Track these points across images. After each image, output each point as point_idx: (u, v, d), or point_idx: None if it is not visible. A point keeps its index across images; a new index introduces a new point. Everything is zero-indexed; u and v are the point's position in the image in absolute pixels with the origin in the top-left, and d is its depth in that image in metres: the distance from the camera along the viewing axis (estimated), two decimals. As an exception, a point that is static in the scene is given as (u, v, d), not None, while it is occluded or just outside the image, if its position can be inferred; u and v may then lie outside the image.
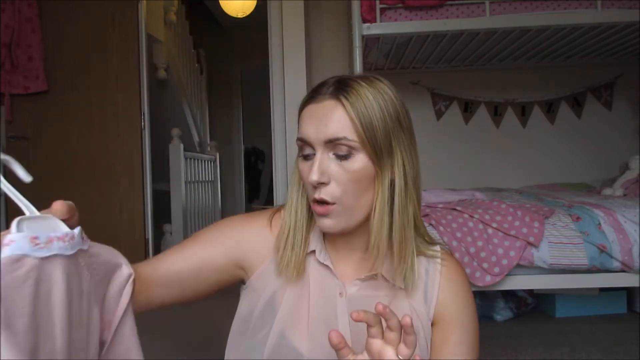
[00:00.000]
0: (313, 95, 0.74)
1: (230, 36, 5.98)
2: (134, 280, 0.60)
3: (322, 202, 0.72)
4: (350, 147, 0.70)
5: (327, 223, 0.73)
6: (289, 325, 0.75)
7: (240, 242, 0.80)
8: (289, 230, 0.78)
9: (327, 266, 0.78)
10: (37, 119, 3.01)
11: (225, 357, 0.81)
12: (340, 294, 0.77)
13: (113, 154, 3.03)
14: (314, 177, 0.70)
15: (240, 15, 4.59)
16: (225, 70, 6.04)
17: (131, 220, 3.03)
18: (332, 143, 0.70)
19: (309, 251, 0.79)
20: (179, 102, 4.49)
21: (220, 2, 4.59)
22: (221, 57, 5.95)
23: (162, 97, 4.25)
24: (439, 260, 0.80)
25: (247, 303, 0.80)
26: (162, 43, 4.01)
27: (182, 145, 3.77)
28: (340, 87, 0.72)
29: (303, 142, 0.74)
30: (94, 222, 3.01)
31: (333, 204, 0.72)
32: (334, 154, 0.71)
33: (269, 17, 2.94)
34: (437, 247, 0.82)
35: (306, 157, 0.74)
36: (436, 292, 0.78)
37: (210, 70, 5.74)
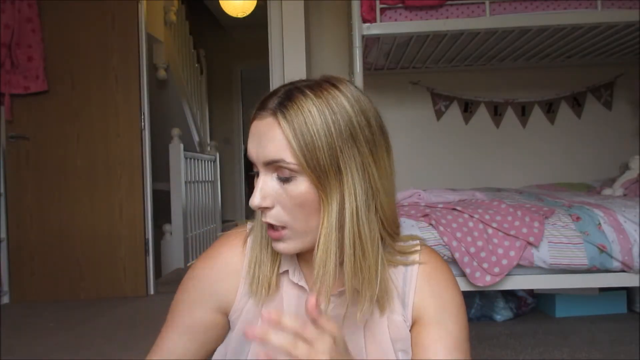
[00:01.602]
0: (259, 108, 0.67)
1: (230, 36, 5.98)
2: None
3: (273, 226, 0.68)
4: (291, 170, 0.64)
5: (281, 246, 0.68)
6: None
7: (212, 287, 0.76)
8: (257, 248, 0.74)
9: (301, 287, 0.74)
10: (37, 119, 3.01)
11: None
12: None
13: (113, 154, 3.04)
14: (255, 201, 0.65)
15: (240, 15, 4.59)
16: (225, 70, 6.05)
17: (131, 220, 3.03)
18: (271, 165, 0.65)
19: (281, 271, 0.74)
20: (179, 102, 4.50)
21: (220, 2, 4.59)
22: (221, 57, 5.96)
23: (162, 97, 4.25)
24: (417, 265, 0.75)
25: (226, 339, 0.78)
26: (162, 43, 4.02)
27: (182, 145, 3.77)
28: (282, 102, 0.64)
29: (250, 160, 0.68)
30: (94, 222, 3.01)
31: (284, 228, 0.67)
32: (276, 176, 0.65)
33: (269, 17, 2.94)
34: (416, 248, 0.76)
35: (258, 174, 0.68)
36: (412, 294, 0.73)
37: (210, 70, 5.75)
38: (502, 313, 2.23)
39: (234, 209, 5.99)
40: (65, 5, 3.01)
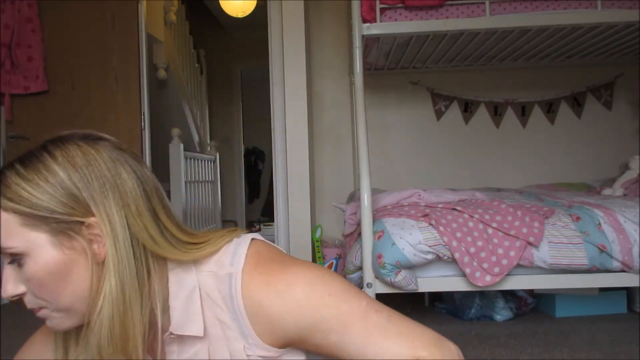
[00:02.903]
0: None
1: (230, 36, 5.98)
2: None
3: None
4: (16, 254, 0.61)
5: (51, 325, 0.65)
6: None
7: None
8: (51, 342, 0.72)
9: None
10: (37, 119, 3.01)
11: None
12: None
13: (113, 154, 3.03)
14: (5, 293, 0.63)
15: (240, 15, 4.59)
16: (225, 70, 6.05)
17: (131, 220, 3.03)
18: (3, 254, 0.62)
19: None
20: (179, 102, 4.49)
21: (220, 2, 4.59)
22: (221, 57, 5.96)
23: (162, 97, 4.25)
24: (239, 281, 0.65)
25: None
26: (162, 43, 4.01)
27: (182, 145, 3.77)
28: None
29: None
30: (94, 222, 3.01)
31: (40, 308, 0.64)
32: (11, 261, 0.63)
33: (269, 17, 2.94)
34: (226, 262, 0.67)
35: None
36: (248, 326, 0.65)
37: (210, 70, 5.74)
38: (502, 313, 2.23)
39: (234, 209, 5.99)
40: (65, 5, 3.01)
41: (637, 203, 1.96)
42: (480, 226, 1.88)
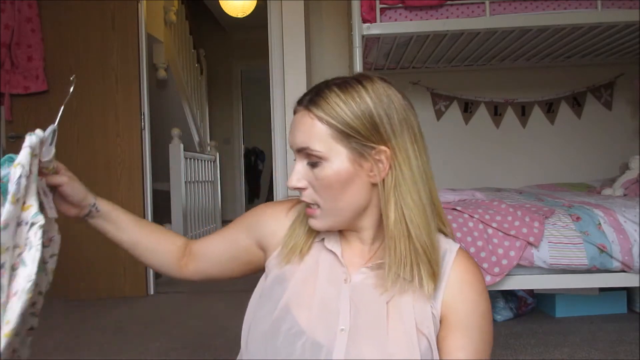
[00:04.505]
0: (297, 103, 0.79)
1: (230, 36, 5.99)
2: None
3: (309, 205, 0.79)
4: (317, 157, 0.74)
5: (313, 223, 0.79)
6: (295, 302, 0.78)
7: (260, 224, 0.89)
8: (297, 218, 0.85)
9: (334, 253, 0.82)
10: (37, 119, 3.00)
11: (242, 333, 0.85)
12: (345, 280, 0.79)
13: (113, 154, 3.03)
14: (289, 183, 0.78)
15: (240, 15, 4.60)
16: (225, 70, 6.05)
17: (131, 220, 3.02)
18: (302, 152, 0.76)
19: (319, 239, 0.84)
20: (179, 102, 4.50)
21: (220, 2, 4.60)
22: (221, 57, 5.96)
23: (162, 97, 4.25)
24: (454, 255, 0.80)
25: (262, 280, 0.87)
26: (162, 43, 4.01)
27: (182, 145, 3.77)
28: (312, 98, 0.76)
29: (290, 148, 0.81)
30: (94, 222, 3.01)
31: (317, 207, 0.77)
32: (307, 162, 0.77)
33: (269, 17, 2.94)
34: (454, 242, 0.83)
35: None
36: (443, 287, 0.77)
37: (210, 70, 5.74)
38: (502, 313, 2.23)
39: (234, 209, 6.00)
40: (65, 5, 3.01)
41: (637, 203, 1.96)
42: (480, 226, 1.88)
